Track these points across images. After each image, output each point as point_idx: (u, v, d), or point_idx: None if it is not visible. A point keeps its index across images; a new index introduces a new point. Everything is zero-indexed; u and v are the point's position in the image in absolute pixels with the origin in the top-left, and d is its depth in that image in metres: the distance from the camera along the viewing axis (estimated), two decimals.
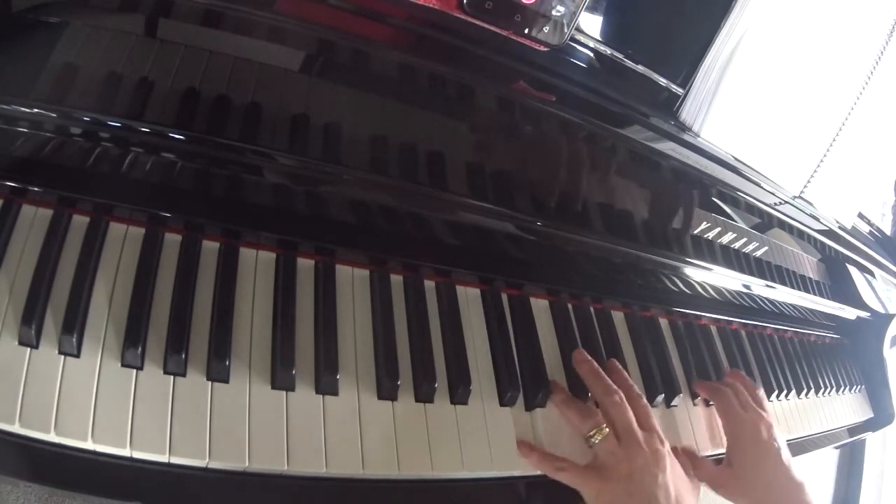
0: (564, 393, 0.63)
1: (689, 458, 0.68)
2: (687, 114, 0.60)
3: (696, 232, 0.72)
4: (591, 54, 0.54)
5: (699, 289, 0.83)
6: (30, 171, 0.49)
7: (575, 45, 0.53)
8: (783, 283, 0.89)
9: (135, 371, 0.46)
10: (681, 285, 0.80)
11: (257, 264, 0.55)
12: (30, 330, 0.43)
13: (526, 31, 0.49)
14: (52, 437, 0.41)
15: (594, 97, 0.55)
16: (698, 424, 0.75)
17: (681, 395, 0.74)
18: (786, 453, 0.69)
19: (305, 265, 0.58)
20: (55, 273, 0.47)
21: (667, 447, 0.59)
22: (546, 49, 0.51)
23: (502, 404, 0.60)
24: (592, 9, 0.51)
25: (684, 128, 0.60)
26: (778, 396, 0.92)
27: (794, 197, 0.73)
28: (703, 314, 0.87)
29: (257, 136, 0.50)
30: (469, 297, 0.65)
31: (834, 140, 0.72)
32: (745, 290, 0.86)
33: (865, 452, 1.69)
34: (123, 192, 0.51)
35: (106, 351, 0.46)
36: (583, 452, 0.60)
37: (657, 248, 0.71)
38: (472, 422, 0.57)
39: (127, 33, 0.45)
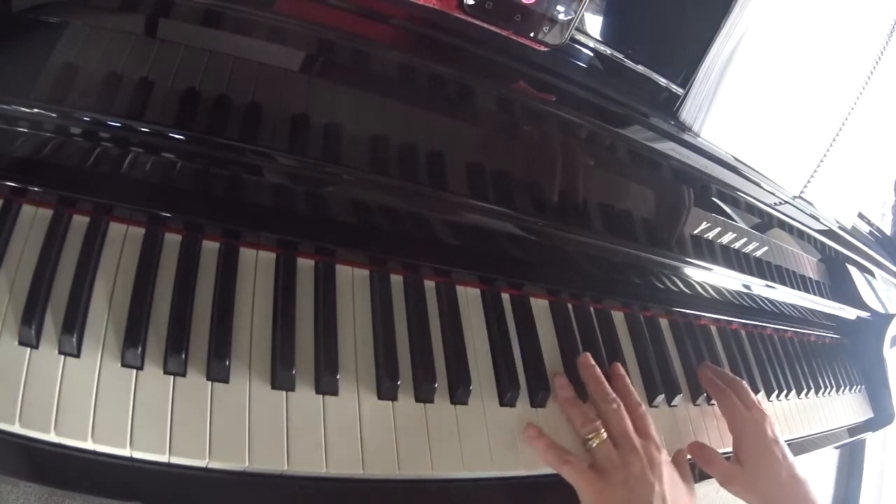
0: (570, 392, 0.63)
1: (704, 454, 0.69)
2: (687, 114, 0.60)
3: (696, 232, 0.72)
4: (592, 54, 0.54)
5: (699, 289, 0.83)
6: (30, 171, 0.49)
7: (575, 45, 0.53)
8: (783, 283, 0.89)
9: (135, 371, 0.46)
10: (681, 285, 0.80)
11: (257, 264, 0.55)
12: (30, 330, 0.43)
13: (526, 31, 0.49)
14: (52, 437, 0.41)
15: (594, 97, 0.55)
16: (699, 424, 0.76)
17: (681, 394, 0.74)
18: (788, 451, 0.69)
19: (305, 265, 0.58)
20: (55, 273, 0.47)
21: (664, 456, 0.60)
22: (546, 49, 0.51)
23: (502, 404, 0.60)
24: (593, 9, 0.51)
25: (684, 128, 0.60)
26: (778, 396, 0.92)
27: (794, 197, 0.73)
28: (703, 314, 0.87)
29: (257, 136, 0.50)
30: (469, 297, 0.65)
31: (834, 140, 0.72)
32: (745, 290, 0.86)
33: (865, 452, 1.69)
34: (123, 192, 0.51)
35: (106, 351, 0.46)
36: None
37: (657, 248, 0.71)
38: (472, 422, 0.57)
39: (127, 33, 0.45)
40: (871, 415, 1.20)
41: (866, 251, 0.92)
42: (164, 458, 0.44)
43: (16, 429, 0.40)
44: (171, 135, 0.48)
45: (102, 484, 0.42)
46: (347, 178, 0.54)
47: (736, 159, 0.64)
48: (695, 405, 0.77)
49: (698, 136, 0.60)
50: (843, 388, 1.11)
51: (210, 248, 0.54)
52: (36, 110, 0.45)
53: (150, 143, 0.48)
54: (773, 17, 0.60)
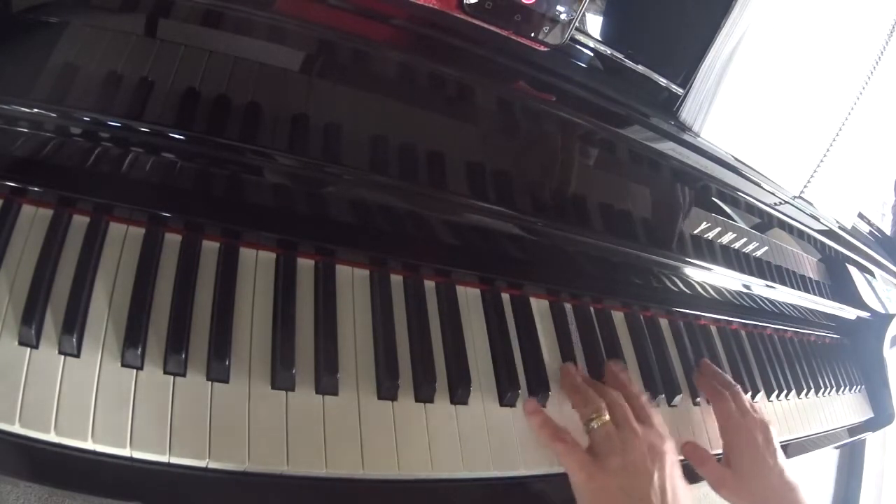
0: (574, 377, 0.62)
1: (697, 455, 0.69)
2: (687, 114, 0.60)
3: (696, 232, 0.72)
4: (592, 54, 0.54)
5: (699, 289, 0.83)
6: (30, 171, 0.49)
7: (575, 45, 0.53)
8: (783, 283, 0.89)
9: (135, 371, 0.46)
10: (681, 285, 0.80)
11: (257, 264, 0.55)
12: (30, 330, 0.43)
13: (526, 31, 0.49)
14: (52, 437, 0.41)
15: (594, 97, 0.55)
16: (699, 424, 0.76)
17: (681, 394, 0.74)
18: (781, 456, 0.69)
19: (305, 265, 0.58)
20: (55, 273, 0.47)
21: (668, 445, 0.57)
22: (546, 49, 0.51)
23: (502, 404, 0.60)
24: (593, 9, 0.51)
25: (684, 128, 0.60)
26: (778, 396, 0.92)
27: (794, 197, 0.73)
28: (703, 314, 0.87)
29: (257, 136, 0.50)
30: (469, 297, 0.65)
31: (834, 140, 0.72)
32: (745, 290, 0.86)
33: (865, 452, 1.69)
34: (123, 192, 0.51)
35: (106, 351, 0.46)
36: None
37: (657, 248, 0.71)
38: (472, 422, 0.57)
39: (127, 33, 0.45)
40: (871, 415, 1.20)
41: (866, 251, 0.92)
42: (164, 458, 0.44)
43: (16, 429, 0.41)
44: (171, 135, 0.48)
45: (102, 484, 0.42)
46: (347, 178, 0.54)
47: (736, 159, 0.64)
48: (695, 405, 0.77)
49: (698, 136, 0.60)
50: (843, 388, 1.11)
51: (210, 248, 0.54)
52: (36, 110, 0.45)
53: (150, 143, 0.48)
54: (773, 17, 0.60)
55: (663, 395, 0.73)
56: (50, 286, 0.46)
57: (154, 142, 0.48)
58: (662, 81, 0.58)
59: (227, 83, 0.47)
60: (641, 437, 0.55)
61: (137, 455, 0.43)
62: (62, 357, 0.44)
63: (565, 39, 0.50)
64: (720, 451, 0.74)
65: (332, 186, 0.55)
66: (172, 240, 0.53)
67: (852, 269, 0.99)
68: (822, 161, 0.73)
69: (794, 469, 0.68)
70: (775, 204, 0.73)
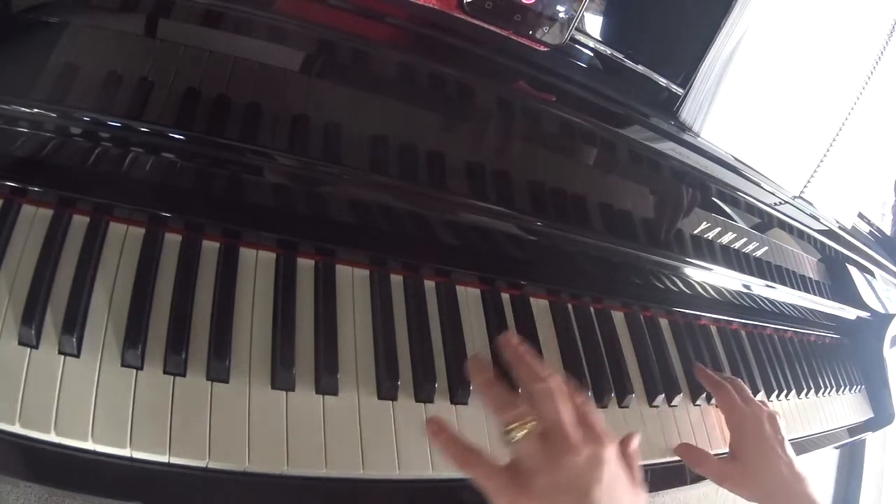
0: (489, 372, 0.48)
1: (693, 455, 0.68)
2: (687, 114, 0.60)
3: (696, 232, 0.72)
4: (592, 54, 0.54)
5: (699, 289, 0.83)
6: (30, 171, 0.49)
7: (575, 44, 0.53)
8: (783, 283, 0.89)
9: (135, 371, 0.46)
10: (681, 285, 0.80)
11: (257, 264, 0.55)
12: (30, 330, 0.43)
13: (526, 30, 0.49)
14: (52, 437, 0.41)
15: (594, 97, 0.55)
16: (698, 424, 0.76)
17: (681, 394, 0.74)
18: (789, 447, 0.69)
19: (305, 265, 0.57)
20: (55, 273, 0.47)
21: (609, 452, 0.44)
22: (546, 49, 0.51)
23: None
24: (593, 9, 0.51)
25: (684, 128, 0.60)
26: (778, 396, 0.92)
27: (794, 197, 0.73)
28: (703, 314, 0.87)
29: (257, 136, 0.50)
30: (469, 297, 0.65)
31: (834, 140, 0.72)
32: (745, 290, 0.86)
33: (865, 452, 1.69)
34: (123, 192, 0.51)
35: (106, 351, 0.46)
36: None
37: (657, 248, 0.71)
38: (471, 422, 0.57)
39: (127, 33, 0.45)
40: (871, 415, 1.20)
41: (866, 251, 0.92)
42: (164, 458, 0.44)
43: (16, 429, 0.40)
44: (171, 135, 0.48)
45: (102, 484, 0.42)
46: (347, 178, 0.54)
47: (736, 159, 0.64)
48: (695, 405, 0.77)
49: (698, 136, 0.60)
50: (843, 388, 1.11)
51: (210, 248, 0.54)
52: (36, 110, 0.45)
53: (150, 142, 0.48)
54: (773, 17, 0.60)
55: (663, 395, 0.73)
56: (50, 286, 0.46)
57: (154, 142, 0.48)
58: (662, 81, 0.58)
59: (227, 83, 0.47)
60: (575, 446, 0.43)
61: (137, 455, 0.43)
62: (62, 357, 0.44)
63: (565, 39, 0.50)
64: (720, 451, 0.74)
65: (332, 186, 0.55)
66: (172, 240, 0.53)
67: (852, 269, 0.99)
68: (822, 161, 0.73)
69: (801, 464, 0.68)
70: (775, 204, 0.73)
